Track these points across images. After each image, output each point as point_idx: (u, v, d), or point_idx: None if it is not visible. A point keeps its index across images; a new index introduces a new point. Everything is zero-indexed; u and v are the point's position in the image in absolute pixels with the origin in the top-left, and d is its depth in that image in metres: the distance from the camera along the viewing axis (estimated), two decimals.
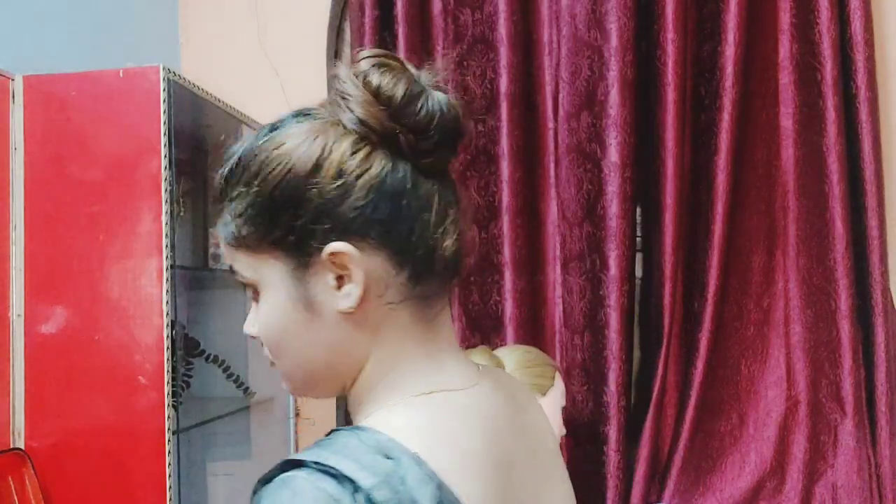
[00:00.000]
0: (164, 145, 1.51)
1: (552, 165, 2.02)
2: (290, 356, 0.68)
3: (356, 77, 0.63)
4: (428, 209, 0.64)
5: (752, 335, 1.96)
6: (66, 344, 1.52)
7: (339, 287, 0.63)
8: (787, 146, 1.93)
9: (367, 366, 0.66)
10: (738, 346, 1.95)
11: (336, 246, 0.62)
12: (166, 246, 1.50)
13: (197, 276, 2.10)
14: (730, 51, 1.88)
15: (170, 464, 1.48)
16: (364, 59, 0.64)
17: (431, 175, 0.65)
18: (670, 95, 1.88)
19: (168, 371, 1.48)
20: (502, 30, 1.98)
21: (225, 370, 2.03)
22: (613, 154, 1.90)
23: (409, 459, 0.58)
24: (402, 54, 2.01)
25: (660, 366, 1.90)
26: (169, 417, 1.48)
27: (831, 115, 1.86)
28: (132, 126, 1.53)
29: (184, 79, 1.62)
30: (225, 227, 0.66)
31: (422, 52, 2.05)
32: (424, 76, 0.66)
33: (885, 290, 1.87)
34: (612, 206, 1.90)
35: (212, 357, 2.00)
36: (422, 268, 0.64)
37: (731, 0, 1.88)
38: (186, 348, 1.90)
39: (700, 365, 1.90)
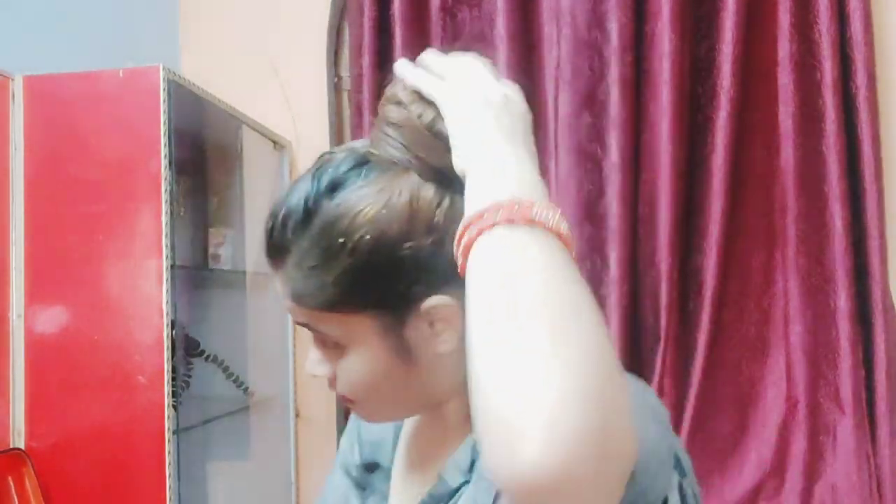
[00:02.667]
0: (164, 145, 1.51)
1: (552, 165, 2.02)
2: (379, 400, 0.68)
3: (421, 124, 0.63)
4: None
5: (752, 335, 1.96)
6: (66, 344, 1.52)
7: (437, 332, 0.64)
8: (786, 146, 1.92)
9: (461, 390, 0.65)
10: (738, 347, 1.95)
11: (435, 301, 0.62)
12: (166, 246, 1.50)
13: (197, 276, 2.10)
14: (728, 50, 1.88)
15: (170, 464, 1.48)
16: (421, 102, 0.63)
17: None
18: (668, 95, 1.88)
19: (168, 371, 1.48)
20: (501, 28, 1.98)
21: (225, 370, 2.03)
22: (613, 154, 1.90)
23: None
24: (399, 53, 2.01)
25: (658, 366, 1.90)
26: (169, 417, 1.48)
27: (831, 115, 1.86)
28: (132, 126, 1.53)
29: (184, 79, 1.62)
30: (307, 292, 0.64)
31: (420, 50, 2.05)
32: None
33: (885, 290, 1.87)
34: (613, 207, 1.90)
35: (212, 357, 2.00)
36: None
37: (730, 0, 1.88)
38: (186, 348, 1.90)
39: (699, 366, 1.90)
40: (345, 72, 2.25)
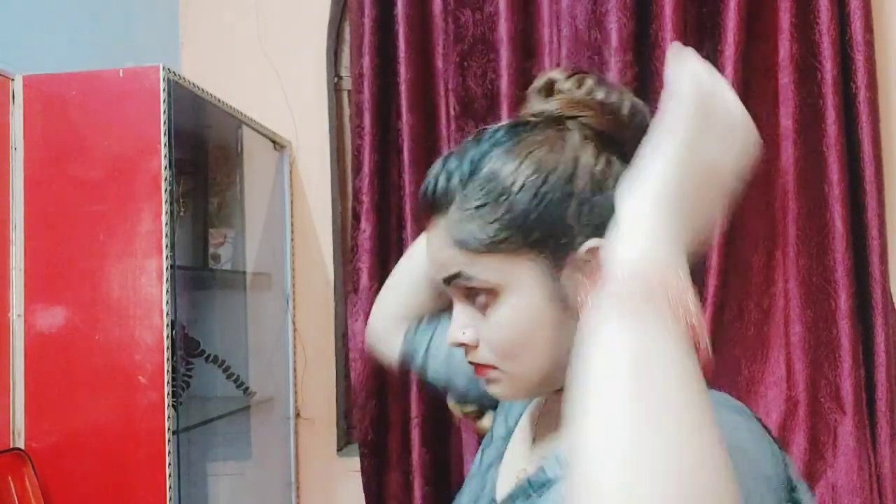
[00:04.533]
0: (164, 145, 1.51)
1: None
2: (530, 358, 0.68)
3: (582, 92, 0.70)
4: None
5: (752, 335, 1.96)
6: (66, 344, 1.52)
7: (586, 282, 0.64)
8: (786, 146, 1.93)
9: None
10: (738, 347, 1.95)
11: (594, 242, 0.64)
12: (166, 246, 1.50)
13: (197, 276, 2.10)
14: (729, 51, 1.88)
15: (170, 464, 1.48)
16: (574, 77, 0.71)
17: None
18: None
19: (168, 371, 1.48)
20: (503, 30, 1.98)
21: (225, 370, 2.03)
22: None
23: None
24: (402, 55, 2.01)
25: None
26: (169, 417, 1.48)
27: (831, 115, 1.86)
28: (132, 126, 1.53)
29: (184, 79, 1.62)
30: (472, 235, 0.67)
31: (421, 52, 2.06)
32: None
33: (885, 290, 1.87)
34: None
35: (212, 357, 2.01)
36: None
37: (731, 0, 1.88)
38: (186, 348, 1.90)
39: None
40: (345, 72, 2.25)
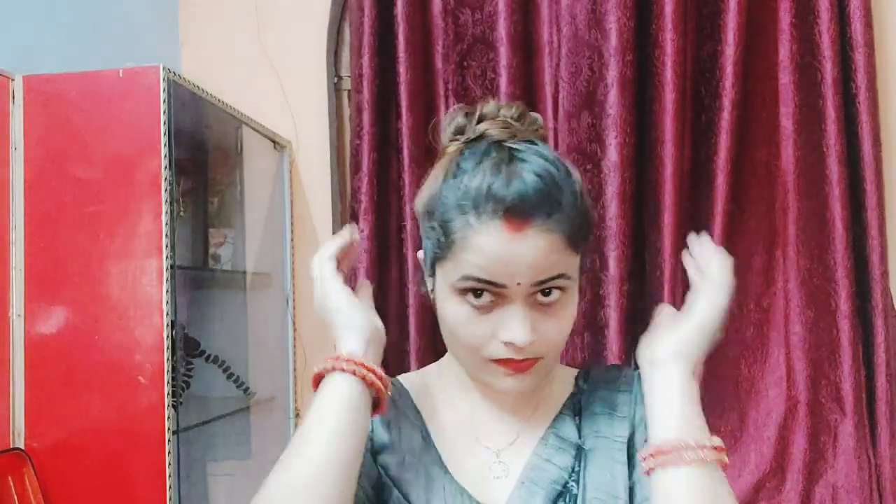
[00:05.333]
0: (164, 145, 1.51)
1: None
2: (557, 353, 0.82)
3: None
4: None
5: (752, 335, 1.96)
6: (66, 344, 1.52)
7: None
8: (787, 146, 1.93)
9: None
10: (738, 346, 1.96)
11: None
12: (166, 246, 1.50)
13: (197, 276, 2.10)
14: (730, 51, 1.88)
15: (170, 464, 1.48)
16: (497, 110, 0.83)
17: None
18: (669, 95, 1.88)
19: (168, 371, 1.48)
20: (502, 30, 1.98)
21: (225, 370, 2.03)
22: (613, 154, 1.90)
23: None
24: (401, 54, 2.01)
25: None
26: (169, 417, 1.48)
27: (831, 115, 1.86)
28: (132, 126, 1.53)
29: (184, 79, 1.62)
30: (581, 233, 0.77)
31: (421, 51, 2.05)
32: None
33: (885, 290, 1.87)
34: (612, 207, 1.90)
35: (212, 357, 2.00)
36: None
37: (731, 0, 1.88)
38: (186, 348, 1.90)
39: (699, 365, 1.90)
40: (345, 72, 2.25)
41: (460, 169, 0.78)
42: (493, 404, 0.87)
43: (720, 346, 2.02)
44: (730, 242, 1.92)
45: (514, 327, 0.76)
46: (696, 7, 1.95)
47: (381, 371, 0.78)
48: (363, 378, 0.78)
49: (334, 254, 0.85)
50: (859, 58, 1.86)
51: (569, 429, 0.85)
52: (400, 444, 0.86)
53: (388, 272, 2.07)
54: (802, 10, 1.90)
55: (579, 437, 0.84)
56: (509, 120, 0.81)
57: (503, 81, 1.98)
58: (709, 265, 0.81)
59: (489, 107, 0.82)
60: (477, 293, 0.76)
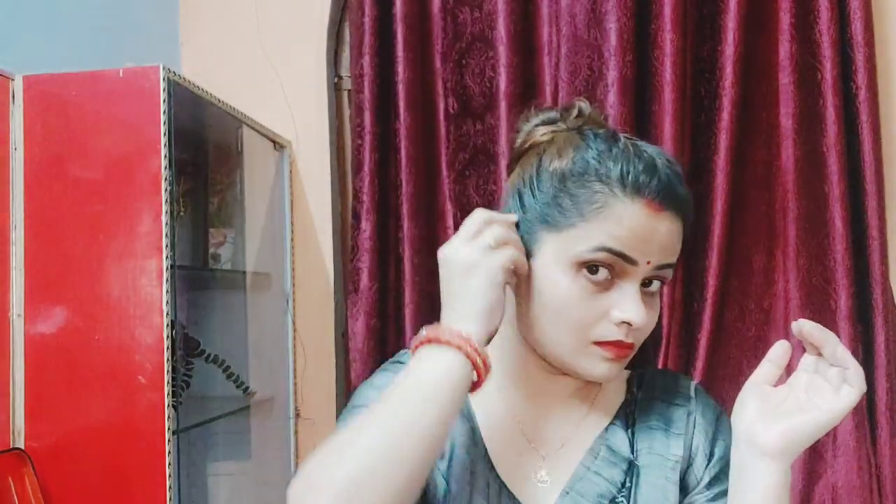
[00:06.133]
0: (164, 145, 1.51)
1: None
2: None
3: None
4: None
5: (753, 335, 1.96)
6: (66, 344, 1.52)
7: None
8: (786, 146, 1.92)
9: None
10: (739, 347, 1.95)
11: None
12: (166, 246, 1.50)
13: (197, 276, 2.10)
14: (729, 51, 1.88)
15: (170, 464, 1.48)
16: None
17: None
18: (669, 95, 1.88)
19: (168, 371, 1.48)
20: (502, 28, 1.98)
21: (225, 370, 2.03)
22: None
23: None
24: (399, 53, 2.01)
25: (659, 366, 1.89)
26: (169, 417, 1.48)
27: (831, 115, 1.86)
28: (132, 126, 1.53)
29: (184, 79, 1.62)
30: (687, 230, 0.81)
31: (420, 50, 2.05)
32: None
33: (885, 290, 1.87)
34: None
35: (212, 357, 2.00)
36: None
37: (731, 0, 1.88)
38: (186, 348, 1.90)
39: (700, 365, 1.90)
40: (345, 72, 2.25)
41: (591, 148, 0.79)
42: (546, 402, 0.85)
43: (720, 346, 2.02)
44: (730, 242, 1.93)
45: (631, 307, 0.76)
46: (696, 7, 1.95)
47: (489, 360, 0.73)
48: (474, 363, 0.72)
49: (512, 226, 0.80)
50: (859, 58, 1.86)
51: (621, 441, 0.83)
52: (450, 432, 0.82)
53: (388, 272, 2.07)
54: (802, 9, 1.90)
55: (632, 452, 0.83)
56: (595, 116, 0.86)
57: (502, 80, 1.98)
58: (848, 364, 0.74)
59: (582, 103, 0.86)
60: (593, 269, 0.76)
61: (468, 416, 0.85)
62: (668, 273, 0.79)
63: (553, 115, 0.85)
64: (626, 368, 0.85)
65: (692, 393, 0.87)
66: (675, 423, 0.84)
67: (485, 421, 0.84)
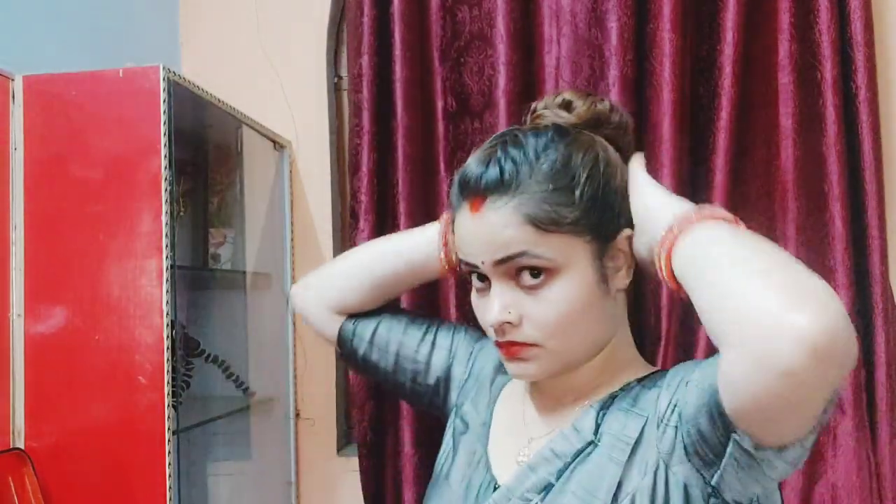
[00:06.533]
0: (164, 145, 1.51)
1: None
2: (576, 334, 0.80)
3: (603, 111, 0.87)
4: None
5: None
6: (66, 344, 1.52)
7: (618, 268, 0.81)
8: (786, 146, 1.92)
9: (615, 338, 0.85)
10: None
11: (629, 232, 0.80)
12: (166, 246, 1.50)
13: (197, 276, 2.10)
14: (729, 50, 1.88)
15: (170, 464, 1.48)
16: (589, 97, 0.88)
17: None
18: (668, 95, 1.88)
19: (168, 371, 1.48)
20: (501, 26, 1.98)
21: (225, 370, 2.03)
22: None
23: None
24: (397, 52, 2.00)
25: (658, 367, 1.89)
26: (169, 417, 1.48)
27: (831, 115, 1.86)
28: (132, 126, 1.53)
29: (184, 79, 1.62)
30: (546, 213, 0.76)
31: (418, 49, 2.05)
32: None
33: (885, 290, 1.87)
34: None
35: (212, 357, 2.00)
36: None
37: (731, 0, 1.88)
38: (186, 348, 1.90)
39: None
40: (345, 72, 2.25)
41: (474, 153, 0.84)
42: (543, 390, 0.89)
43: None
44: None
45: (488, 307, 0.79)
46: (696, 6, 1.95)
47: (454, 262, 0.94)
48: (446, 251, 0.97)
49: None
50: (859, 58, 1.86)
51: (587, 422, 0.81)
52: (476, 412, 0.95)
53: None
54: (802, 9, 1.90)
55: (595, 433, 0.80)
56: (557, 109, 0.86)
57: (502, 79, 1.98)
58: None
59: (550, 97, 0.88)
60: (478, 277, 0.82)
61: (490, 403, 0.94)
62: (527, 262, 0.76)
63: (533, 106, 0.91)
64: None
65: (668, 374, 0.83)
66: (639, 404, 0.80)
67: (501, 401, 0.93)
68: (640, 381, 0.85)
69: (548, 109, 0.87)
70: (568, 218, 0.76)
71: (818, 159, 1.90)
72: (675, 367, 0.83)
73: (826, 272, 1.90)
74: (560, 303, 0.77)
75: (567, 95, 0.87)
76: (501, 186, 0.77)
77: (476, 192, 0.77)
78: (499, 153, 0.78)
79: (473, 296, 0.83)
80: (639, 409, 0.80)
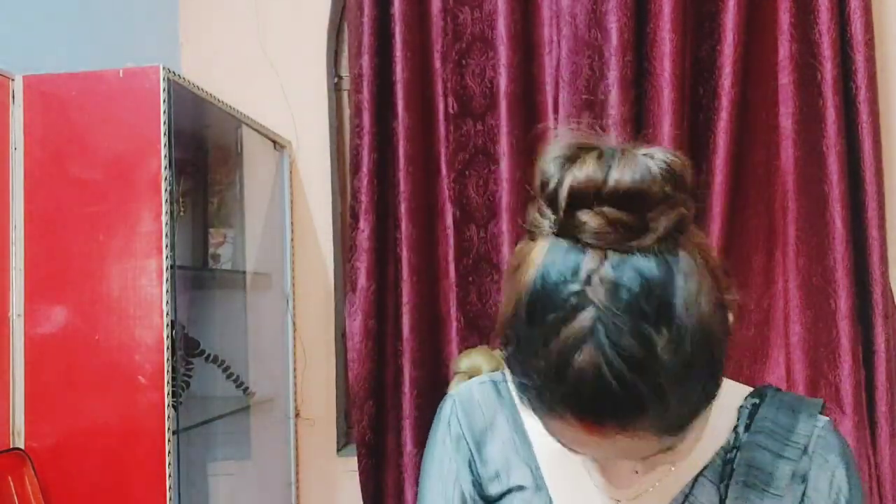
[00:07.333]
0: (164, 145, 1.51)
1: None
2: None
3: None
4: None
5: (752, 336, 1.96)
6: (66, 344, 1.52)
7: None
8: (786, 146, 1.92)
9: None
10: (738, 347, 1.95)
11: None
12: (166, 246, 1.50)
13: (197, 276, 2.10)
14: (729, 50, 1.88)
15: (170, 464, 1.48)
16: (682, 162, 0.60)
17: None
18: (668, 95, 1.88)
19: (168, 371, 1.48)
20: (502, 28, 1.98)
21: (225, 370, 2.03)
22: None
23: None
24: (398, 53, 2.01)
25: None
26: (169, 417, 1.48)
27: (831, 115, 1.86)
28: (132, 126, 1.53)
29: (184, 79, 1.62)
30: (684, 416, 0.58)
31: (420, 50, 2.05)
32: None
33: (885, 290, 1.87)
34: None
35: (212, 357, 2.00)
36: None
37: (731, 0, 1.88)
38: (186, 348, 1.90)
39: None
40: (345, 72, 2.25)
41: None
42: None
43: None
44: (730, 242, 1.92)
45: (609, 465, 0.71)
46: (696, 6, 1.95)
47: None
48: None
49: None
50: (859, 57, 1.86)
51: (709, 496, 0.68)
52: (508, 477, 0.74)
53: (386, 271, 2.07)
54: (802, 9, 1.90)
55: None
56: (618, 214, 0.56)
57: (503, 81, 1.98)
58: None
59: (591, 159, 0.57)
60: None
61: (526, 451, 0.74)
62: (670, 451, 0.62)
63: (550, 171, 0.59)
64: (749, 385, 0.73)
65: (810, 442, 0.68)
66: (775, 483, 0.66)
67: (546, 458, 0.73)
68: (748, 428, 0.70)
69: (651, 183, 0.57)
70: (713, 394, 0.60)
71: (818, 159, 1.90)
72: (811, 423, 0.69)
73: (826, 272, 1.90)
74: None
75: (671, 158, 0.58)
76: (629, 409, 0.55)
77: (589, 416, 0.56)
78: (599, 359, 0.54)
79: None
80: (774, 490, 0.67)
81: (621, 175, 0.56)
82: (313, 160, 2.22)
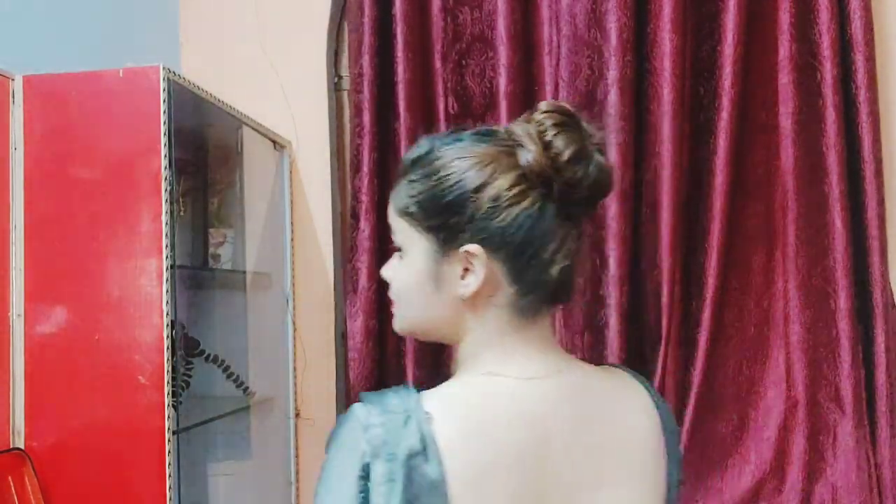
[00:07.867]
0: (164, 145, 1.51)
1: None
2: (407, 308, 0.87)
3: (536, 128, 0.80)
4: (553, 243, 0.80)
5: (752, 335, 1.96)
6: (66, 344, 1.52)
7: (463, 277, 0.81)
8: (786, 146, 1.92)
9: (466, 338, 0.84)
10: (738, 347, 1.95)
11: (472, 247, 0.79)
12: (166, 246, 1.50)
13: (197, 276, 2.10)
14: (729, 50, 1.88)
15: (170, 464, 1.48)
16: (546, 112, 0.81)
17: (568, 219, 0.80)
18: (668, 95, 1.88)
19: (168, 371, 1.48)
20: (502, 28, 1.98)
21: (225, 370, 2.03)
22: (613, 154, 1.90)
23: (418, 417, 0.75)
24: (399, 53, 2.01)
25: (659, 366, 1.90)
26: (169, 417, 1.48)
27: (831, 115, 1.86)
28: (132, 126, 1.53)
29: (184, 79, 1.62)
30: (398, 198, 0.85)
31: (420, 51, 2.05)
32: (595, 135, 0.82)
33: (885, 290, 1.87)
34: (612, 207, 1.90)
35: (212, 357, 2.00)
36: (530, 287, 0.81)
37: (731, 0, 1.88)
38: (186, 348, 1.90)
39: (699, 366, 1.90)
40: (345, 72, 2.25)
41: None
42: None
43: (720, 345, 2.02)
44: (730, 242, 1.92)
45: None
46: (696, 6, 1.95)
47: None
48: None
49: None
50: (859, 57, 1.86)
51: None
52: None
53: None
54: (802, 9, 1.90)
55: None
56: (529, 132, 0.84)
57: (503, 80, 1.98)
58: None
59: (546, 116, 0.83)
60: None
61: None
62: (392, 236, 0.87)
63: None
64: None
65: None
66: None
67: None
68: None
69: (529, 125, 0.81)
70: (408, 209, 0.83)
71: (818, 159, 1.90)
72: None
73: (826, 272, 1.90)
74: (399, 279, 0.86)
75: (548, 109, 0.81)
76: (400, 171, 0.86)
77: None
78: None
79: None
80: None
81: None
82: (313, 160, 2.22)
